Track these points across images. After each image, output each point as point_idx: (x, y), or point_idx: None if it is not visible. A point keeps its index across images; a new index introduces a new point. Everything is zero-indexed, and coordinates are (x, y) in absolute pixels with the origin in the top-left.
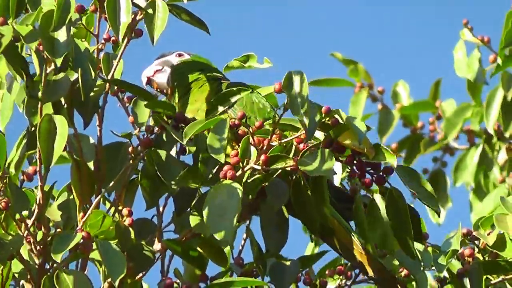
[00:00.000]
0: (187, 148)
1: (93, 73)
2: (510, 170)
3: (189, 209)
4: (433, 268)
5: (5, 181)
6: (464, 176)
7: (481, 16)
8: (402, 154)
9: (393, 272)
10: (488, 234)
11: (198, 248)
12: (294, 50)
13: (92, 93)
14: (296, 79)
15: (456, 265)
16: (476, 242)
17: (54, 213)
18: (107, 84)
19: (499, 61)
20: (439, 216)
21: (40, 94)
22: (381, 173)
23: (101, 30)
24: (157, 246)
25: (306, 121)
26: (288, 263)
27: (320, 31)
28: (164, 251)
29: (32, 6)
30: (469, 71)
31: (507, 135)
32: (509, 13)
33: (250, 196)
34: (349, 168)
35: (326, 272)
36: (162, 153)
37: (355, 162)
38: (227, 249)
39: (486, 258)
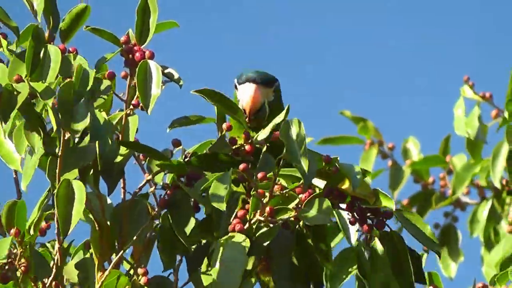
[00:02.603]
0: (200, 206)
1: (110, 142)
2: None
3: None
4: None
5: (25, 245)
6: (478, 229)
7: (487, 70)
8: (413, 209)
9: None
10: None
11: None
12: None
13: (118, 160)
14: (294, 127)
15: None
16: None
17: (71, 272)
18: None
19: (506, 114)
20: (440, 257)
21: (57, 151)
22: (380, 218)
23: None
24: None
25: (305, 167)
26: None
27: (328, 89)
28: None
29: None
30: (469, 128)
31: None
32: None
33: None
34: (350, 214)
35: None
36: (178, 212)
37: (355, 208)
38: None
39: None
